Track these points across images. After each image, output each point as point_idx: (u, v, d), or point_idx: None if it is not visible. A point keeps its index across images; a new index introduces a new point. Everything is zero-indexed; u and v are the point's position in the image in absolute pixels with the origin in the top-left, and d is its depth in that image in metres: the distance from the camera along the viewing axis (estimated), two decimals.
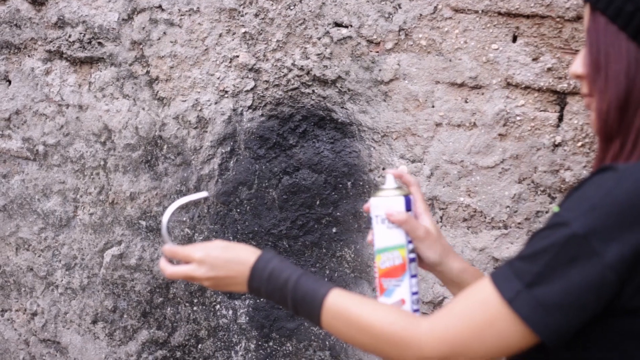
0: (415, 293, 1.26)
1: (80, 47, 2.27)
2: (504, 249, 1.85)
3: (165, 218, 1.30)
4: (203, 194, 1.31)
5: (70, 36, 2.27)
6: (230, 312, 2.17)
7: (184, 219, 2.18)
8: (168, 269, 1.28)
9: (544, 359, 1.06)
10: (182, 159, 2.17)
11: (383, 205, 1.26)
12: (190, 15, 2.11)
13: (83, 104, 2.29)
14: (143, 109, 2.21)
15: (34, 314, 2.45)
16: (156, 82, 2.18)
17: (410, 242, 1.27)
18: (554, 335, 0.98)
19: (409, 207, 1.28)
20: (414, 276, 1.27)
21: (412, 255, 1.27)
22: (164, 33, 2.15)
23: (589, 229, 0.96)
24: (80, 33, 2.26)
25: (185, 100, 2.15)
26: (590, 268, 0.96)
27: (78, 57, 2.28)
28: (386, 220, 1.26)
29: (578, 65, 1.15)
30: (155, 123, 2.20)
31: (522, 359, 1.07)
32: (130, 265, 2.28)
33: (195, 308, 2.22)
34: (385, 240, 1.27)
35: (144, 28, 2.18)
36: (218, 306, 2.19)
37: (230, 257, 1.23)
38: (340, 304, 1.15)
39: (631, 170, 0.98)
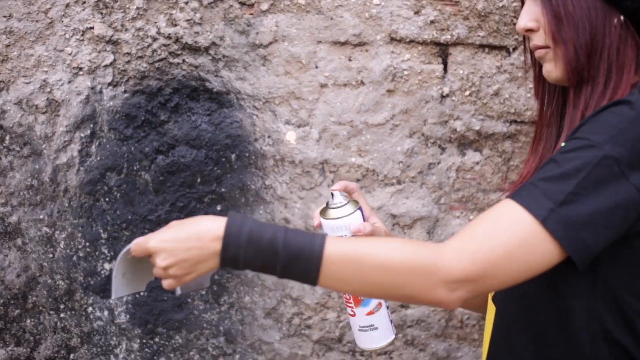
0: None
1: None
2: (401, 204, 1.85)
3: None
4: (205, 285, 1.14)
5: None
6: (106, 312, 1.96)
7: (41, 216, 1.92)
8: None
9: (565, 280, 1.08)
10: (31, 149, 1.91)
11: (345, 224, 1.26)
12: None
13: None
14: None
15: None
16: None
17: None
18: (584, 254, 1.01)
19: (363, 216, 1.29)
20: None
21: None
22: None
23: (619, 153, 0.99)
24: None
25: (29, 82, 1.88)
26: (619, 189, 0.99)
27: None
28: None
29: (526, 19, 1.18)
30: None
31: (544, 283, 1.08)
32: None
33: (62, 315, 1.97)
34: None
35: None
36: (90, 309, 1.96)
37: (189, 234, 1.07)
38: (345, 249, 1.04)
39: None
